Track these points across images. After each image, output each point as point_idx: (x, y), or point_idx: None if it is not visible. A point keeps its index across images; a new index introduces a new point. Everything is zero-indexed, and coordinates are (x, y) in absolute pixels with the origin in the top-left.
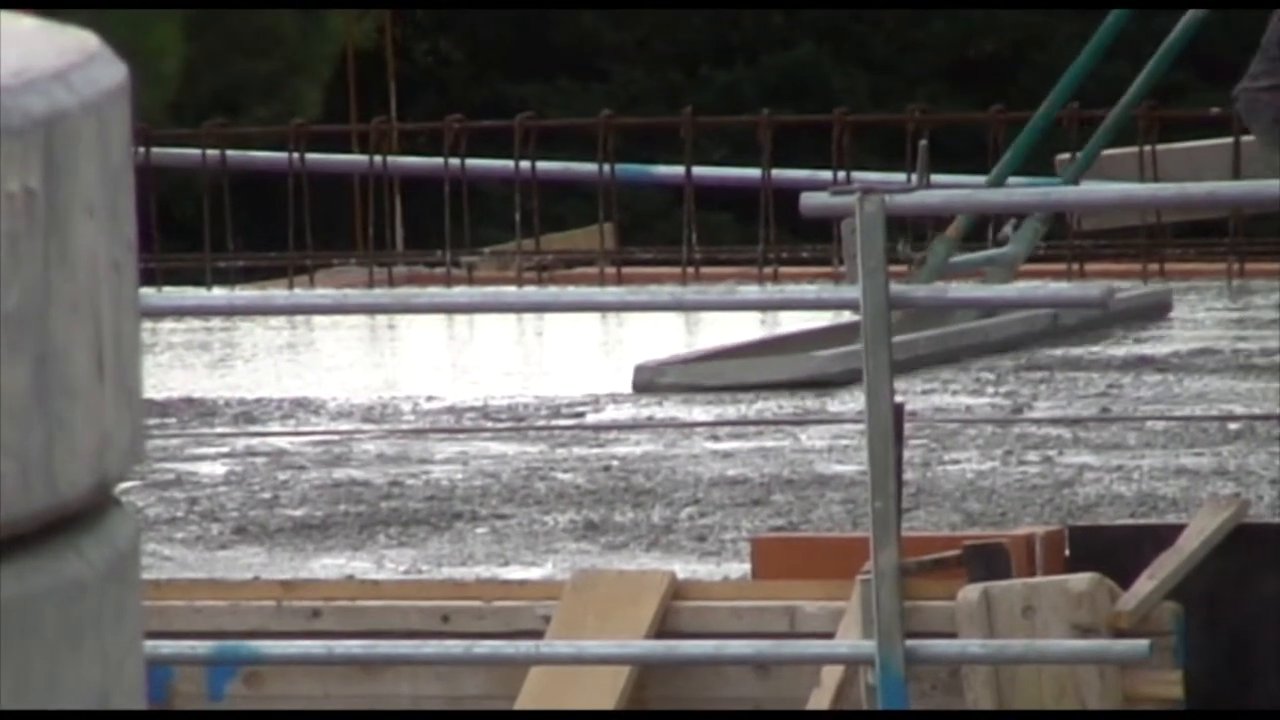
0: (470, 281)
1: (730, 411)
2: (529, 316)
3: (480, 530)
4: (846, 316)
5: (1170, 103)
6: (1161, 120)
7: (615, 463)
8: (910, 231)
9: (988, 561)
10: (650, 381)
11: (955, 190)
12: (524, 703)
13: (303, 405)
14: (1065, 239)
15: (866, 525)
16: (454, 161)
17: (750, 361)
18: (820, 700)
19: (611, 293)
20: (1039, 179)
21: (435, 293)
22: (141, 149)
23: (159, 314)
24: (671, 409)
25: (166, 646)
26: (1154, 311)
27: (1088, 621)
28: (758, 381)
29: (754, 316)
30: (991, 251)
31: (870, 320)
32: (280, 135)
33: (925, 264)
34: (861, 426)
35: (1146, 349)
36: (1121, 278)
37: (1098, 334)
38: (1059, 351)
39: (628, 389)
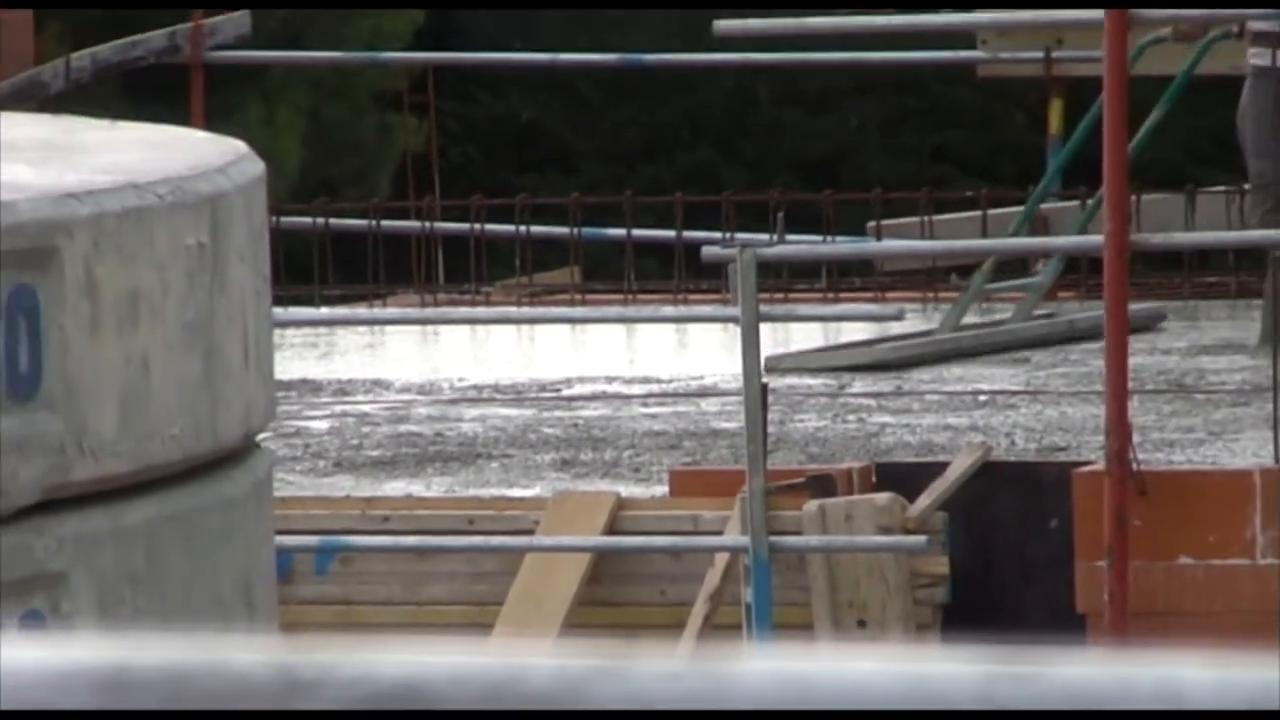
0: (487, 304)
1: (656, 388)
2: (525, 326)
3: (494, 465)
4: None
5: (941, 188)
6: (936, 200)
7: (581, 421)
8: (954, 269)
9: (823, 486)
10: (777, 366)
11: (802, 245)
12: (522, 576)
13: (378, 384)
14: (874, 275)
15: (744, 462)
16: (477, 226)
17: (842, 352)
18: (713, 576)
19: (579, 311)
20: (856, 237)
21: (464, 311)
22: (273, 217)
23: (283, 324)
24: (618, 386)
25: (289, 540)
26: (1151, 321)
27: (887, 525)
28: (848, 364)
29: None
30: (1027, 280)
31: (745, 329)
32: (364, 209)
33: (967, 289)
34: (741, 398)
35: None
36: (913, 301)
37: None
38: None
39: (589, 372)
